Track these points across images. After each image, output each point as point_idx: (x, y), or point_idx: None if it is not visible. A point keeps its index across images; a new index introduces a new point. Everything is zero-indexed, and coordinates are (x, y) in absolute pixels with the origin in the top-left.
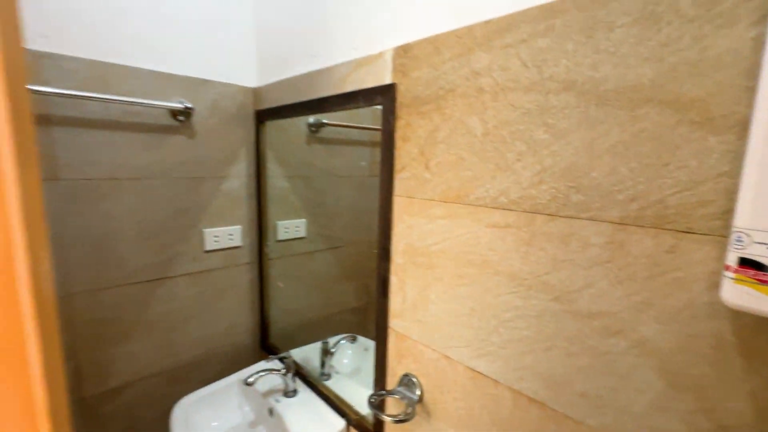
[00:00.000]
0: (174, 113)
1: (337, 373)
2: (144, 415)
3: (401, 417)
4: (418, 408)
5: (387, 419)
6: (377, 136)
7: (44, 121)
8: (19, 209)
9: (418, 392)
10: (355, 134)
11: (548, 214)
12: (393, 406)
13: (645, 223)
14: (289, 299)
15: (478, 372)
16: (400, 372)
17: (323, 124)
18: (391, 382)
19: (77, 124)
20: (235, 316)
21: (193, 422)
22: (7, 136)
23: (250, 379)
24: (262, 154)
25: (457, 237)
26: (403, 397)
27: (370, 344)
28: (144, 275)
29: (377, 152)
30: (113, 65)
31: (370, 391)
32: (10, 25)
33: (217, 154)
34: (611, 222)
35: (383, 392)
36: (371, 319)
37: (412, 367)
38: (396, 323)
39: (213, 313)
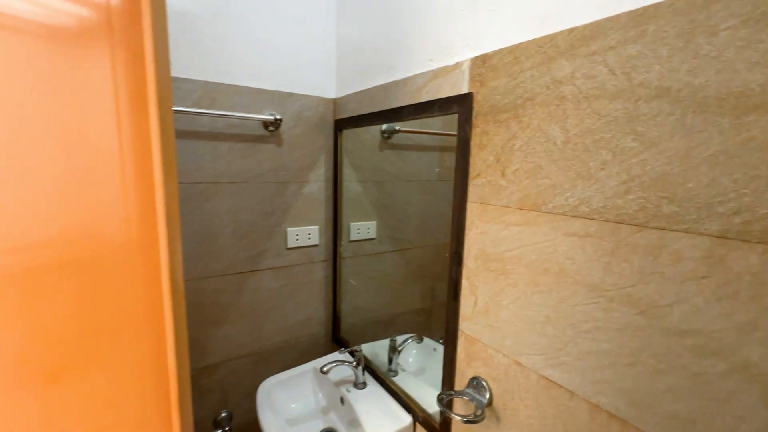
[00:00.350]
0: (266, 124)
1: (403, 370)
2: (233, 390)
3: (471, 418)
4: (487, 411)
5: (457, 418)
6: (448, 142)
7: None
8: (163, 208)
9: (487, 396)
10: (426, 140)
11: (635, 225)
12: (461, 407)
13: (751, 238)
14: (359, 296)
15: (553, 381)
16: (469, 374)
17: (396, 131)
18: (460, 384)
19: (190, 136)
20: (311, 309)
21: (274, 401)
22: (158, 149)
23: (325, 368)
24: (339, 159)
25: (533, 245)
26: (472, 399)
27: (436, 345)
28: (237, 268)
29: (447, 157)
30: (219, 84)
31: (436, 391)
32: (163, 57)
33: (300, 161)
34: (710, 235)
35: (452, 392)
36: (436, 321)
37: (481, 370)
38: (466, 326)
39: (293, 305)
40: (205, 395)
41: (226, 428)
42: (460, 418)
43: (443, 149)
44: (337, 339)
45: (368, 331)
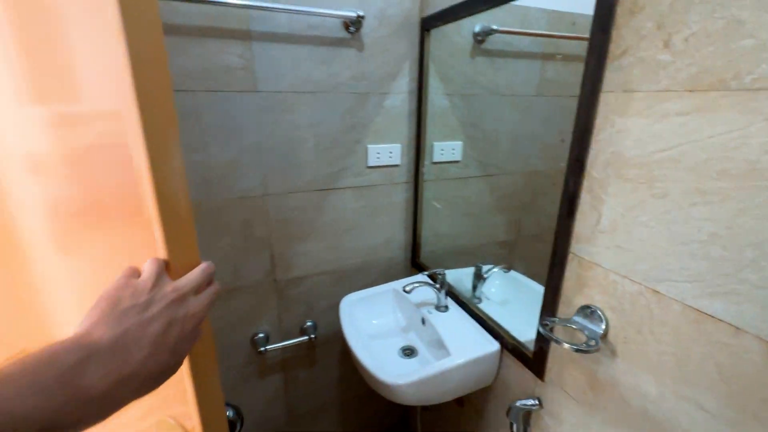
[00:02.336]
0: (346, 24)
1: (487, 299)
2: (317, 303)
3: (583, 347)
4: (600, 344)
5: (566, 345)
6: (554, 46)
7: (245, 36)
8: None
9: (603, 326)
10: (525, 44)
11: None
12: (564, 337)
13: None
14: (440, 222)
15: (708, 314)
16: (578, 303)
17: (492, 31)
18: (564, 313)
19: (268, 38)
20: (391, 232)
21: (355, 316)
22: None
23: (408, 287)
24: (425, 68)
25: (705, 139)
26: (582, 329)
27: (521, 278)
28: (318, 185)
29: (550, 68)
30: None
31: (524, 322)
32: None
33: (382, 69)
34: None
35: (556, 319)
36: (520, 255)
37: (596, 299)
38: (581, 248)
39: (372, 226)
40: (292, 305)
41: (312, 336)
42: (569, 345)
43: (546, 57)
44: (416, 264)
45: (448, 259)
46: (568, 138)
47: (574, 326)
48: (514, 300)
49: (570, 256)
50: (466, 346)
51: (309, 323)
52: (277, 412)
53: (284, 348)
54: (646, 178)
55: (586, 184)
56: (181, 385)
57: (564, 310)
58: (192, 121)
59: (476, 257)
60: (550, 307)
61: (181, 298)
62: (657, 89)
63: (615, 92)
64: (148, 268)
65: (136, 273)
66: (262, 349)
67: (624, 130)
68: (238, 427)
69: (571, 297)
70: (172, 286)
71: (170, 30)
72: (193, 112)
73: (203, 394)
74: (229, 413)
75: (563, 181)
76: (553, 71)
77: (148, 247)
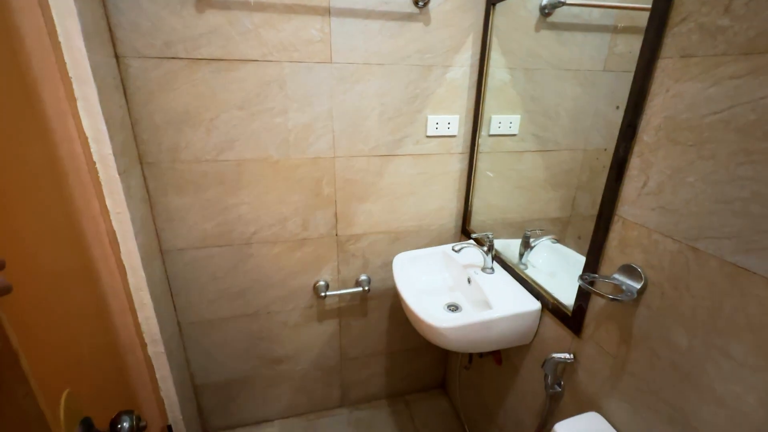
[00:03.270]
0: (416, 0)
1: (533, 267)
2: (372, 260)
3: (619, 297)
4: (637, 299)
5: (605, 296)
6: (628, 19)
7: (324, 12)
8: None
9: (641, 283)
10: (596, 17)
11: None
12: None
13: None
14: (492, 194)
15: (743, 268)
16: (620, 262)
17: (560, 3)
18: (606, 272)
19: (345, 14)
20: (444, 200)
21: (406, 271)
22: None
23: (457, 247)
24: (488, 41)
25: (755, 101)
26: (621, 284)
27: (570, 253)
28: (381, 150)
29: (620, 41)
30: None
31: (568, 289)
32: None
33: (447, 42)
34: None
35: (596, 275)
36: (572, 233)
37: (637, 258)
38: (626, 210)
39: (427, 193)
40: (350, 259)
41: (366, 288)
42: (606, 295)
43: (617, 30)
44: (466, 232)
45: (498, 230)
46: (623, 106)
47: (613, 282)
48: (560, 271)
49: (616, 218)
50: (508, 303)
51: (363, 277)
52: (332, 352)
53: (341, 296)
54: (696, 140)
55: (637, 148)
56: None
57: (606, 269)
58: (276, 88)
59: (525, 230)
60: (592, 265)
61: None
62: (714, 53)
63: (672, 58)
64: None
65: None
66: (323, 294)
67: (678, 95)
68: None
69: (614, 257)
70: None
71: (260, 7)
72: (277, 80)
73: None
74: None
75: (615, 147)
76: (624, 44)
77: None
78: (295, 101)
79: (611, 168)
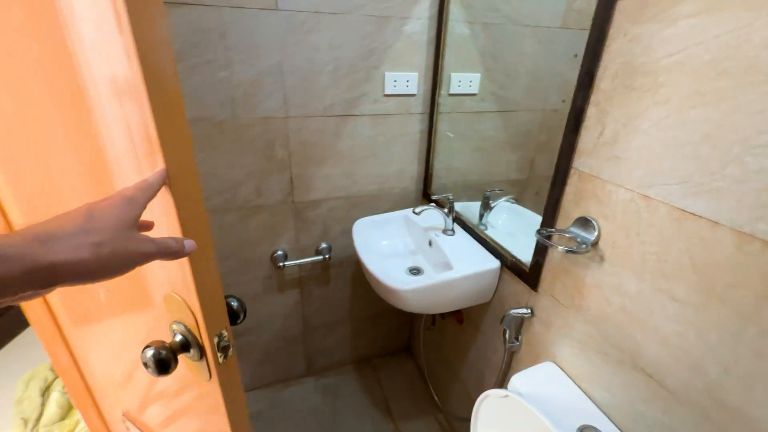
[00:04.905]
0: None
1: (493, 227)
2: (332, 227)
3: (573, 248)
4: (591, 251)
5: (559, 248)
6: None
7: None
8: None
9: (595, 234)
10: None
11: None
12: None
13: None
14: (452, 156)
15: (689, 212)
16: (576, 215)
17: None
18: (562, 225)
19: None
20: (405, 163)
21: (366, 237)
22: None
23: (417, 210)
24: None
25: (710, 40)
26: (575, 237)
27: (528, 213)
28: (337, 110)
29: None
30: None
31: (525, 247)
32: None
33: None
34: None
35: (553, 229)
36: (530, 194)
37: (592, 210)
38: (582, 162)
39: (387, 155)
40: (309, 227)
41: (326, 256)
42: (562, 247)
43: None
44: (427, 195)
45: (459, 192)
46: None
47: (568, 235)
48: (518, 232)
49: (572, 171)
50: (468, 262)
51: (324, 245)
52: (294, 323)
53: (300, 266)
54: (651, 85)
55: (593, 98)
56: (182, 269)
57: (562, 223)
58: (215, 37)
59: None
60: (549, 220)
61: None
62: None
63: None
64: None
65: (131, 201)
66: (281, 264)
67: (635, 38)
68: (241, 317)
69: (569, 210)
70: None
71: None
72: (216, 28)
73: (200, 278)
74: (234, 303)
75: (573, 97)
76: (584, 2)
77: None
78: (240, 53)
79: (568, 120)
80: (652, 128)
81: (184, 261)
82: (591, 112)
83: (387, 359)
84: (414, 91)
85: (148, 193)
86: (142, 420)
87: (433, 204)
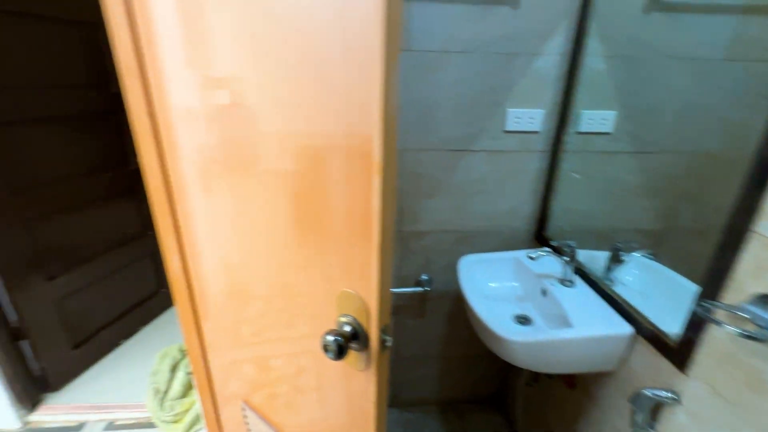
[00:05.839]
0: None
1: (622, 284)
2: (435, 259)
3: (752, 333)
4: None
5: (729, 329)
6: None
7: None
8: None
9: None
10: None
11: None
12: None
13: None
14: (574, 198)
15: None
16: (753, 290)
17: None
18: (732, 300)
19: None
20: (518, 201)
21: (472, 275)
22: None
23: (533, 254)
24: (584, 26)
25: None
26: (755, 319)
27: (667, 272)
28: (452, 144)
29: (755, 23)
30: None
31: (664, 313)
32: None
33: (536, 27)
34: None
35: (719, 303)
36: (667, 248)
37: None
38: (767, 226)
39: (499, 192)
40: (412, 257)
41: (426, 288)
42: (733, 329)
43: (748, 11)
44: (540, 237)
45: (577, 237)
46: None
47: (744, 314)
48: (654, 293)
49: (751, 234)
50: (592, 322)
51: (424, 276)
52: None
53: (399, 295)
54: None
55: None
56: (366, 265)
57: (732, 297)
58: None
59: (611, 241)
60: (712, 291)
61: None
62: None
63: None
64: None
65: None
66: None
67: None
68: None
69: (744, 283)
70: None
71: None
72: None
73: (384, 277)
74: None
75: (760, 146)
76: (759, 28)
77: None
78: None
79: (751, 172)
80: None
81: (371, 261)
82: None
83: (474, 407)
84: (537, 128)
85: None
86: (265, 406)
87: (548, 249)
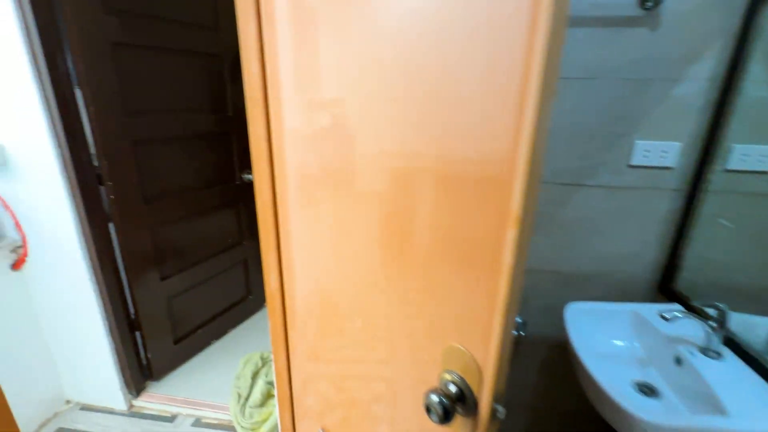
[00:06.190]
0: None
1: None
2: (532, 301)
3: None
4: None
5: None
6: None
7: None
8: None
9: None
10: None
11: None
12: None
13: None
14: (716, 247)
15: None
16: None
17: None
18: None
19: None
20: (640, 245)
21: (582, 327)
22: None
23: (667, 315)
24: (746, 48)
25: None
26: None
27: None
28: (564, 178)
29: None
30: None
31: None
32: None
33: (677, 50)
34: None
35: None
36: None
37: None
38: None
39: (617, 234)
40: None
41: (520, 332)
42: None
43: None
44: (666, 290)
45: (721, 297)
46: None
47: None
48: None
49: None
50: (756, 412)
51: (518, 320)
52: None
53: None
54: None
55: None
56: (485, 324)
57: None
58: None
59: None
60: None
61: None
62: None
63: None
64: None
65: None
66: None
67: None
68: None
69: None
70: None
71: None
72: None
73: (505, 335)
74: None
75: None
76: None
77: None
78: None
79: None
80: None
81: (493, 321)
82: None
83: None
84: (671, 164)
85: None
86: None
87: (687, 312)
